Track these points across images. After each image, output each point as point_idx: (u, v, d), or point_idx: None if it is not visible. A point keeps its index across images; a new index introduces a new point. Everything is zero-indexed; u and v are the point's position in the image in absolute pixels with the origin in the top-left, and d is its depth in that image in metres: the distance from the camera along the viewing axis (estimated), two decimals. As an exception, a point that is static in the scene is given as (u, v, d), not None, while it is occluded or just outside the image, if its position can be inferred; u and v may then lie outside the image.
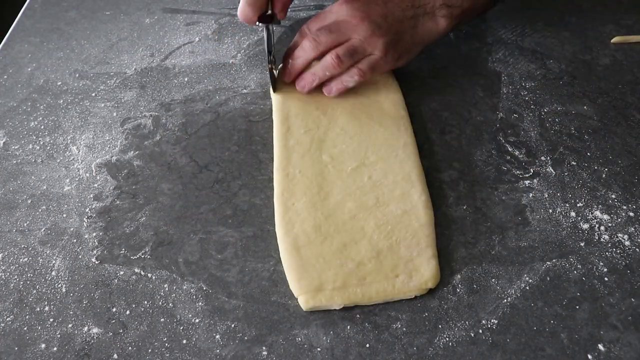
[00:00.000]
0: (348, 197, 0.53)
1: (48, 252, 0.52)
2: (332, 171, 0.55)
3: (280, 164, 0.56)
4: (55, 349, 0.46)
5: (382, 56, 0.59)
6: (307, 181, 0.54)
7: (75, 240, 0.53)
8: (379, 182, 0.54)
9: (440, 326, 0.47)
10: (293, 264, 0.49)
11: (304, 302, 0.47)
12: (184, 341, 0.46)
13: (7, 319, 0.47)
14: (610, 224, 0.53)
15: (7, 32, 0.75)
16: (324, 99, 0.62)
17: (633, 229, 0.53)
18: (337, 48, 0.59)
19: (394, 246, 0.50)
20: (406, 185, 0.54)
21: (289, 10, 0.76)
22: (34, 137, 0.62)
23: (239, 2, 0.58)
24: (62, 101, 0.65)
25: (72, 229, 0.53)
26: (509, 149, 0.60)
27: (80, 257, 0.51)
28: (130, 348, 0.46)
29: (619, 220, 0.53)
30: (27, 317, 0.48)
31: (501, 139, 0.61)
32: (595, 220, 0.53)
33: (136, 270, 0.50)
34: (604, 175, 0.57)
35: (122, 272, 0.50)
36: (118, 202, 0.55)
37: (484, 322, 0.47)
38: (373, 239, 0.50)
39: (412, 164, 0.56)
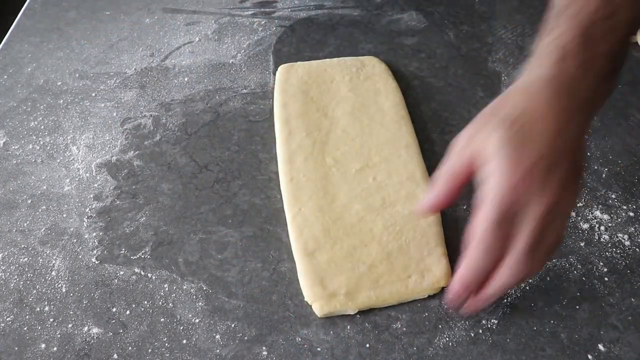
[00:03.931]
0: (354, 199, 0.53)
1: (48, 252, 0.52)
2: (336, 174, 0.55)
3: (284, 168, 0.56)
4: (55, 349, 0.46)
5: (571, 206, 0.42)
6: (312, 185, 0.54)
7: (75, 240, 0.53)
8: (384, 183, 0.54)
9: (440, 326, 0.47)
10: (305, 270, 0.49)
11: (319, 308, 0.47)
12: (184, 341, 0.46)
13: (7, 319, 0.47)
14: (610, 224, 0.53)
15: (7, 32, 0.75)
16: (323, 100, 0.62)
17: (633, 229, 0.53)
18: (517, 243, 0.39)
19: (403, 247, 0.50)
20: (411, 185, 0.54)
21: (289, 10, 0.76)
22: (34, 137, 0.62)
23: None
24: (62, 101, 0.65)
25: (72, 229, 0.53)
26: (509, 149, 0.59)
27: (80, 257, 0.51)
28: (130, 348, 0.46)
29: (619, 220, 0.53)
30: (27, 317, 0.48)
31: (501, 139, 0.60)
32: (595, 220, 0.53)
33: (136, 270, 0.50)
34: (604, 175, 0.57)
35: (122, 272, 0.50)
36: (118, 202, 0.55)
37: (484, 322, 0.47)
38: (382, 240, 0.50)
39: (415, 163, 0.56)
